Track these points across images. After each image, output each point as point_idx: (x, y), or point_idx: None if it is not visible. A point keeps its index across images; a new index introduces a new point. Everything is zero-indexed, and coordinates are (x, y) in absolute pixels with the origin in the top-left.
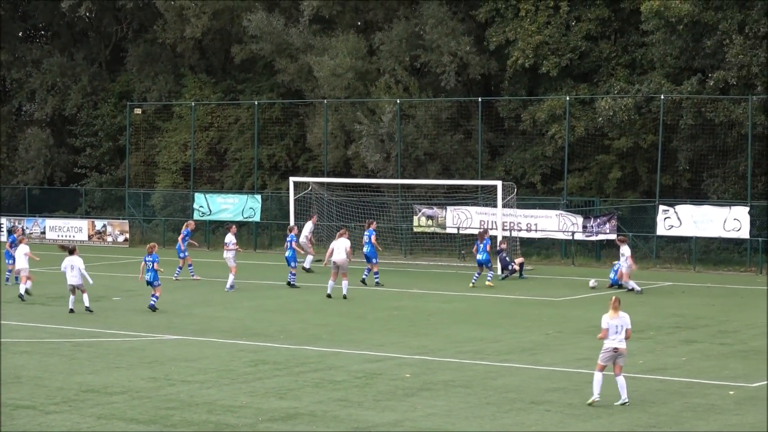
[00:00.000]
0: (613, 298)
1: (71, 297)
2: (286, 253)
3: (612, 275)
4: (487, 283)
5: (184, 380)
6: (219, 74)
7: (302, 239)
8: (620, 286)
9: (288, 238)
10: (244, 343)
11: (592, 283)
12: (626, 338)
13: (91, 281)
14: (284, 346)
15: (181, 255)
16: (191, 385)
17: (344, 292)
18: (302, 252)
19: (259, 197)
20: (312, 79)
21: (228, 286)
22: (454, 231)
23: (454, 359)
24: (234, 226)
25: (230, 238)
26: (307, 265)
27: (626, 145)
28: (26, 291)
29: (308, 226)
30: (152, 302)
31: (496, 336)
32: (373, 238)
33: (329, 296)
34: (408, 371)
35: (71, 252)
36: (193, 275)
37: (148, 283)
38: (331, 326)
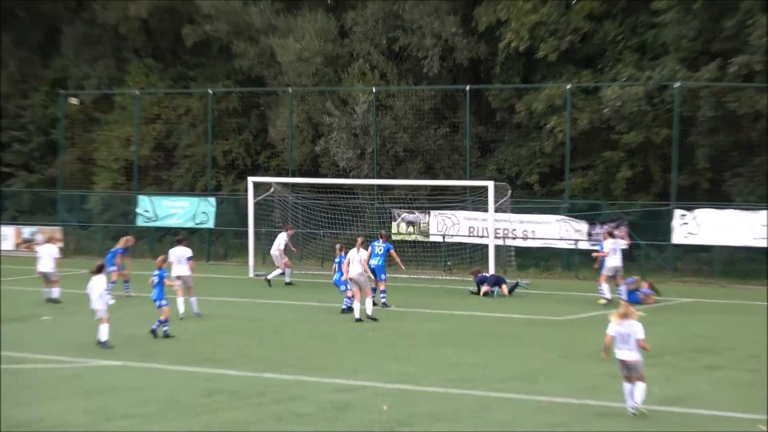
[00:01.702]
0: (623, 302)
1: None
2: (334, 276)
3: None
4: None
5: (125, 413)
6: (168, 59)
7: (274, 251)
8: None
9: (336, 260)
10: (196, 369)
11: None
12: (642, 348)
13: (102, 307)
14: (242, 373)
15: (113, 268)
16: (133, 419)
17: (369, 312)
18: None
19: (213, 200)
20: (275, 65)
21: (196, 310)
22: (439, 239)
23: (439, 388)
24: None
25: (184, 251)
26: (270, 276)
27: (637, 140)
28: None
29: (282, 238)
30: (165, 329)
31: (487, 361)
32: (392, 251)
33: (360, 320)
34: (386, 402)
35: (98, 271)
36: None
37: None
38: (297, 350)
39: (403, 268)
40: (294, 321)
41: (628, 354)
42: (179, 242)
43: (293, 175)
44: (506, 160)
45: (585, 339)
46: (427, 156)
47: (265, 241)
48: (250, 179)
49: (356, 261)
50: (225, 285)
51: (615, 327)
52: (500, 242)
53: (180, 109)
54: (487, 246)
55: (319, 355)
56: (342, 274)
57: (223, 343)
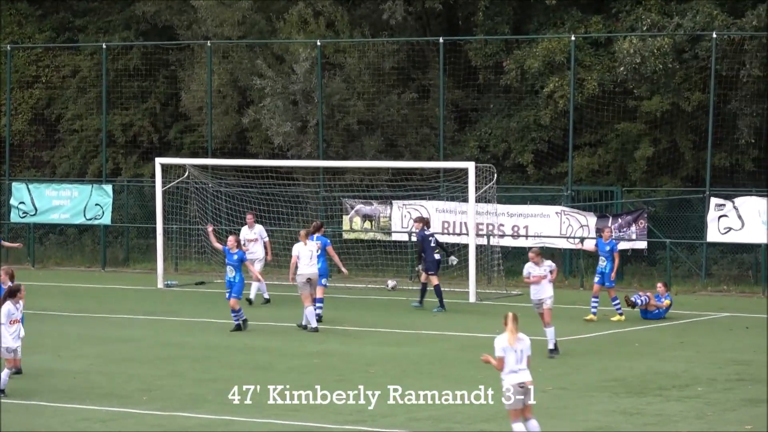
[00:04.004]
0: (509, 314)
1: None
2: (228, 276)
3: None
4: (615, 318)
5: None
6: (48, 3)
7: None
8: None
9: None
10: (90, 408)
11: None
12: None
13: (12, 345)
14: (150, 412)
15: None
16: None
17: (312, 323)
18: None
19: (109, 189)
20: (188, 11)
21: None
22: (404, 237)
23: (402, 430)
24: None
25: None
26: (252, 295)
27: (661, 107)
28: None
29: (244, 233)
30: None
31: (467, 395)
32: (329, 248)
33: (304, 327)
34: None
35: (12, 294)
36: None
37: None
38: (221, 382)
39: (345, 272)
40: (218, 345)
41: (527, 375)
42: None
43: (214, 155)
44: (491, 134)
45: (592, 366)
46: (389, 130)
47: (177, 241)
48: (158, 161)
49: (313, 255)
50: (126, 299)
51: (504, 344)
52: (483, 241)
53: (65, 69)
54: (466, 246)
55: (249, 389)
56: (240, 275)
57: (125, 375)
